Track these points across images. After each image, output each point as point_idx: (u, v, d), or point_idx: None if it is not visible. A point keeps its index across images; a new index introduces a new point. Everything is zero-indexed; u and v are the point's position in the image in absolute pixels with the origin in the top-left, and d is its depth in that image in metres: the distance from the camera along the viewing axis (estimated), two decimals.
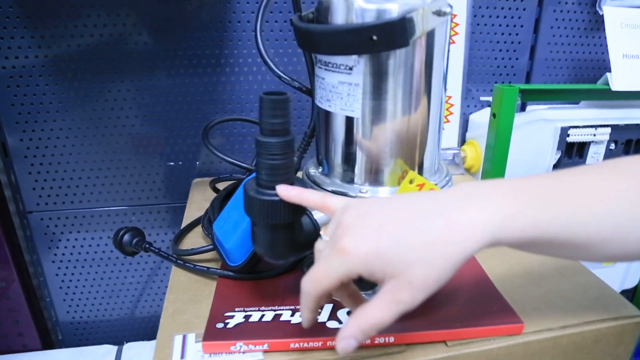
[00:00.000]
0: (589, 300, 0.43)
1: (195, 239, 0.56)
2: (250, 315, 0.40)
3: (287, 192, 0.33)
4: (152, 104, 0.73)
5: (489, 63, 0.80)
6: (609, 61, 0.70)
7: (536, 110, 0.75)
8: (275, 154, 0.32)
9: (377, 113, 0.36)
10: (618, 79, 0.70)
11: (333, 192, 0.43)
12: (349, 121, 0.37)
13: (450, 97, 0.77)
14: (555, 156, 0.72)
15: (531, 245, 0.31)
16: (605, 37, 0.70)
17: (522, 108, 0.83)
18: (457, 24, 0.73)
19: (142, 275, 0.85)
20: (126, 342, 0.83)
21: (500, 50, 0.80)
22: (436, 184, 0.45)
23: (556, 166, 0.73)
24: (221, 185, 0.64)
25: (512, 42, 0.80)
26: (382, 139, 0.37)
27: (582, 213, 0.31)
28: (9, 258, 0.76)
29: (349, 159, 0.42)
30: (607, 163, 0.34)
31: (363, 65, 0.34)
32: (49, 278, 0.82)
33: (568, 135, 0.71)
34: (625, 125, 0.73)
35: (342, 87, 0.36)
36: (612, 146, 0.74)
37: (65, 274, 0.83)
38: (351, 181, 0.44)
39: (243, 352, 0.37)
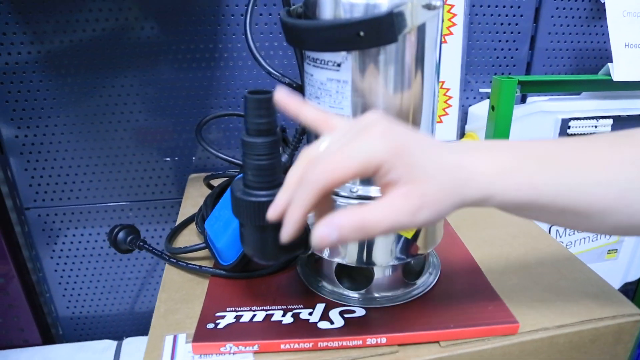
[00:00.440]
0: (586, 298, 0.42)
1: (189, 237, 0.56)
2: (242, 316, 0.39)
3: (283, 99, 0.31)
4: (148, 100, 0.73)
5: (489, 54, 0.79)
6: (611, 51, 0.69)
7: (536, 102, 0.74)
8: (261, 154, 0.32)
9: (367, 110, 0.35)
10: (620, 69, 0.69)
11: None
12: None
13: (449, 89, 0.76)
14: None
15: (529, 208, 0.31)
16: (607, 26, 0.69)
17: (523, 100, 0.82)
18: (454, 15, 0.71)
19: (141, 270, 0.85)
20: (126, 337, 0.84)
21: (500, 41, 0.78)
22: None
23: None
24: (216, 182, 0.63)
25: (511, 32, 0.78)
26: None
27: (582, 179, 0.30)
28: (7, 254, 0.77)
29: None
30: (623, 132, 0.33)
31: (352, 62, 0.33)
32: (48, 274, 0.83)
33: (569, 127, 0.70)
34: (628, 116, 0.72)
35: (331, 84, 0.35)
36: None
37: (64, 270, 0.83)
38: None
39: (233, 353, 0.36)
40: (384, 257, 0.39)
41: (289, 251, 0.36)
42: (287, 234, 0.29)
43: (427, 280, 0.44)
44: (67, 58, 0.68)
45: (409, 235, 0.39)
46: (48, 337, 0.87)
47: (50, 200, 0.77)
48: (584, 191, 0.30)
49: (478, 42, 0.78)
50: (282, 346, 0.36)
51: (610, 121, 0.71)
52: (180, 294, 0.44)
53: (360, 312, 0.39)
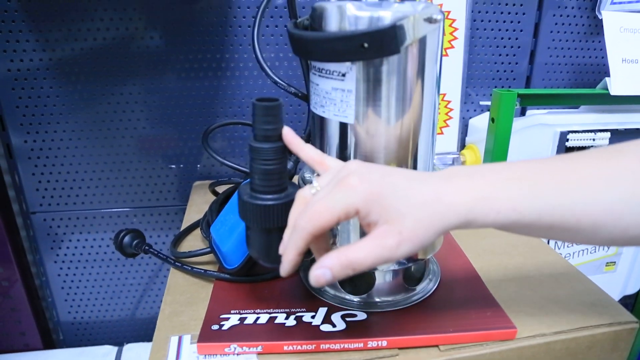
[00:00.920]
0: (584, 306, 0.43)
1: (194, 242, 0.57)
2: (246, 318, 0.40)
3: (289, 137, 0.34)
4: (154, 108, 0.74)
5: (489, 67, 0.81)
6: (608, 66, 0.70)
7: (535, 115, 0.75)
8: (268, 159, 0.33)
9: (370, 119, 0.36)
10: (617, 84, 0.70)
11: None
12: (343, 127, 0.37)
13: (450, 102, 0.78)
14: None
15: (514, 227, 0.32)
16: (604, 42, 0.70)
17: (522, 113, 0.83)
18: (456, 29, 0.73)
19: (143, 276, 0.86)
20: (126, 343, 0.84)
21: (500, 55, 0.80)
22: None
23: None
24: (221, 189, 0.64)
25: (512, 47, 0.80)
26: (376, 144, 0.37)
27: (566, 197, 0.31)
28: (12, 258, 0.77)
29: None
30: (612, 146, 0.33)
31: (356, 72, 0.35)
32: (51, 278, 0.83)
33: (567, 140, 0.71)
34: (625, 129, 0.73)
35: (336, 94, 0.36)
36: None
37: (67, 275, 0.83)
38: None
39: (237, 354, 0.37)
40: None
41: None
42: (284, 271, 0.33)
43: (427, 287, 0.45)
44: (76, 65, 0.70)
45: None
46: (49, 341, 0.87)
47: (56, 205, 0.78)
48: (570, 208, 0.31)
49: (479, 56, 0.79)
50: (285, 347, 0.37)
51: (608, 134, 0.72)
52: (185, 297, 0.45)
53: (361, 315, 0.40)
